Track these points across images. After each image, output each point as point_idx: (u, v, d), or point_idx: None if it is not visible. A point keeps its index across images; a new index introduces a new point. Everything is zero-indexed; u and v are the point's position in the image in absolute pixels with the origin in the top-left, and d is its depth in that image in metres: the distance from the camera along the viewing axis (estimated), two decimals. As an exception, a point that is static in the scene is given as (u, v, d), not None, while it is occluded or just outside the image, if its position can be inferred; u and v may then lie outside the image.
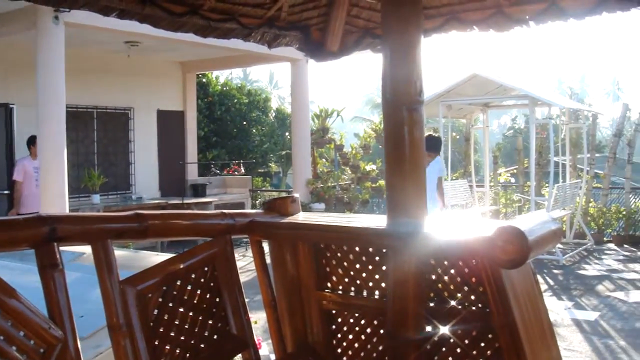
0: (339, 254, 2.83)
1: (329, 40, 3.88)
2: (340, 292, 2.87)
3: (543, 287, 10.61)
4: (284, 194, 17.56)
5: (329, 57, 3.98)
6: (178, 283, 2.62)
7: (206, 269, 2.74)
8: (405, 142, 2.49)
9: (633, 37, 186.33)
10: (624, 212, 15.09)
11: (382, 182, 15.63)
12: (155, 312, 2.53)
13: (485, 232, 2.17)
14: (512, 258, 2.06)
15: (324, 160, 17.77)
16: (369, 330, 2.80)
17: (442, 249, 2.41)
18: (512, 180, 18.18)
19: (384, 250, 2.64)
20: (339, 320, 2.91)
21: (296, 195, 3.14)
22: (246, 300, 5.70)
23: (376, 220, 2.73)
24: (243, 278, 3.02)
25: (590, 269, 12.05)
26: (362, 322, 2.83)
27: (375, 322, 2.78)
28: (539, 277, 10.86)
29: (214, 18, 3.45)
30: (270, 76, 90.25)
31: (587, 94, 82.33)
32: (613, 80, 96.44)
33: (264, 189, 21.83)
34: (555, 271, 11.90)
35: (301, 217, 3.00)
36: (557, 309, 9.12)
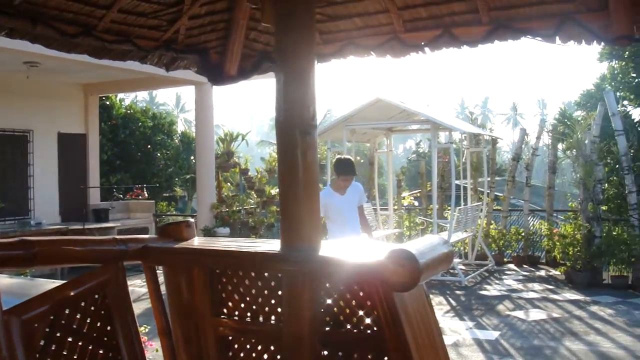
0: (234, 280, 2.79)
1: (228, 64, 3.87)
2: (236, 317, 2.83)
3: (445, 308, 10.79)
4: (180, 219, 17.38)
5: (227, 80, 3.96)
6: (67, 312, 2.53)
7: (97, 296, 2.66)
8: (298, 165, 2.48)
9: (530, 65, 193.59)
10: (523, 234, 15.52)
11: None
12: (42, 342, 2.43)
13: (378, 256, 2.17)
14: (404, 281, 2.07)
15: (229, 184, 17.65)
16: (265, 356, 2.77)
17: (337, 273, 2.40)
18: (416, 203, 18.48)
19: (280, 275, 2.62)
20: (236, 346, 2.86)
21: (191, 220, 3.09)
22: (149, 328, 5.58)
23: (272, 245, 2.71)
24: (146, 305, 2.95)
25: (491, 290, 12.32)
26: (259, 347, 2.79)
27: (272, 348, 2.74)
28: (442, 298, 11.08)
29: (109, 39, 3.39)
30: (177, 99, 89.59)
31: (489, 119, 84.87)
32: (512, 106, 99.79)
33: (168, 213, 21.54)
34: (458, 292, 12.12)
35: (196, 242, 2.95)
36: (459, 329, 9.28)
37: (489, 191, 15.78)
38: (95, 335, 2.63)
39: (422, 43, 3.50)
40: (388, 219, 15.90)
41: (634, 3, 3.11)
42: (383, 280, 2.15)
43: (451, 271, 13.49)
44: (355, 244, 3.30)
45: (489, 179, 15.78)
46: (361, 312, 2.43)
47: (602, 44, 3.30)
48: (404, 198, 17.95)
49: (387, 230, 15.15)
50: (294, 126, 2.48)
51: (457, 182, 14.38)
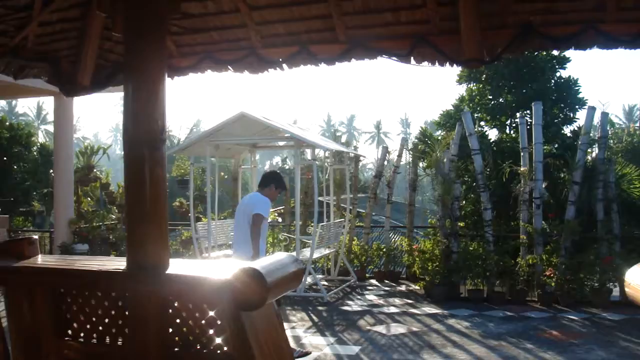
0: (80, 300, 2.67)
1: (81, 74, 3.73)
2: (82, 339, 2.70)
3: (308, 324, 10.82)
4: (38, 235, 16.74)
5: (80, 91, 3.82)
6: None
7: None
8: (146, 181, 2.39)
9: (395, 85, 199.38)
10: (385, 250, 15.78)
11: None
12: None
13: (226, 274, 2.13)
14: (250, 300, 2.03)
15: (89, 199, 17.11)
16: (112, 379, 2.66)
17: (185, 291, 2.34)
18: (280, 219, 18.49)
19: (127, 294, 2.52)
20: (81, 369, 2.73)
21: (34, 236, 2.94)
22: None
23: (119, 263, 2.61)
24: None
25: (353, 305, 12.46)
26: (106, 370, 2.68)
27: (120, 370, 2.64)
28: (304, 314, 11.09)
29: (-52, 44, 3.20)
30: (39, 109, 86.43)
31: (354, 137, 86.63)
32: (377, 124, 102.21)
33: (25, 229, 20.66)
34: (320, 308, 12.18)
35: (40, 260, 2.81)
36: (321, 345, 9.32)
37: (351, 208, 15.98)
38: None
39: (280, 59, 3.50)
40: (252, 235, 15.82)
41: (483, 28, 3.22)
42: (231, 299, 2.11)
43: (314, 287, 13.57)
44: (205, 262, 3.24)
45: (351, 195, 16.00)
46: (211, 332, 2.38)
47: (454, 65, 3.40)
48: (268, 214, 17.90)
49: (251, 247, 15.06)
50: (141, 141, 2.39)
51: (320, 198, 14.49)
